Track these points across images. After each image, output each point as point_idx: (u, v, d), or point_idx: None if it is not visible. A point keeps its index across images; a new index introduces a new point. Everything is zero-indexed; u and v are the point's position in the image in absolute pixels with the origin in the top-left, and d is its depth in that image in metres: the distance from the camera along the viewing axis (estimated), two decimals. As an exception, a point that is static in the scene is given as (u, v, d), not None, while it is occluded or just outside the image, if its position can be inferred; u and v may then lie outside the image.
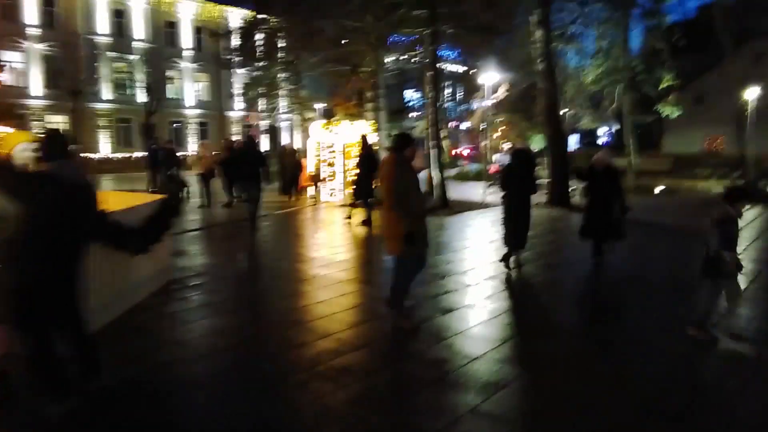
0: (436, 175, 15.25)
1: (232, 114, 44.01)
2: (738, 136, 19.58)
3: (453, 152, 43.25)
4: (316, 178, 16.26)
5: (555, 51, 19.58)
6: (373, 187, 11.43)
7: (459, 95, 44.51)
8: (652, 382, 4.20)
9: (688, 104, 32.04)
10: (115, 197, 7.12)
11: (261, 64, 26.75)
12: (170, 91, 40.42)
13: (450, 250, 9.28)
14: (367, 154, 11.97)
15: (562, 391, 4.05)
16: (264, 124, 43.80)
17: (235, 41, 26.54)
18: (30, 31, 33.40)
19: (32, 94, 34.00)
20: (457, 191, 18.40)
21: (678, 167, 27.80)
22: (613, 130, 44.80)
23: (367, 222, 11.55)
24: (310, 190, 16.95)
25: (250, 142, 12.43)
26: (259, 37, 23.75)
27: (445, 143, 42.21)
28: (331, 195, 15.80)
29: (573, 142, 44.92)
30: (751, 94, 20.93)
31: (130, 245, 5.33)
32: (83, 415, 3.59)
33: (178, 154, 17.43)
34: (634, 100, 23.51)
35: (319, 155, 16.37)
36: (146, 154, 19.01)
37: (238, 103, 42.02)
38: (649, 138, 40.36)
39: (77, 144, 25.98)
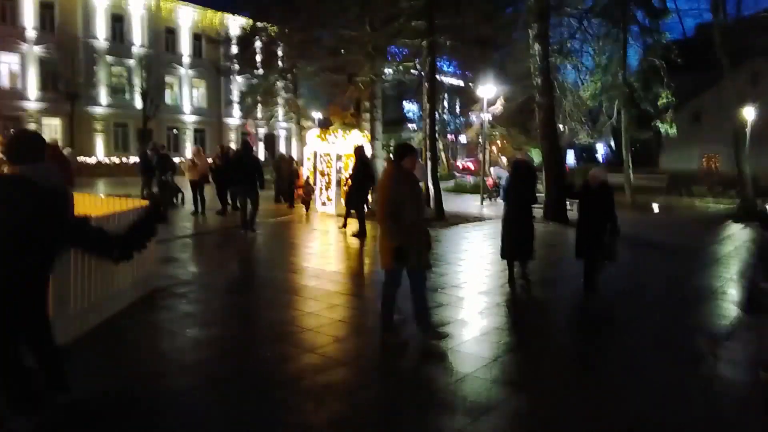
0: (431, 186, 15.17)
1: (229, 121, 43.95)
2: (735, 154, 19.50)
3: (459, 164, 43.34)
4: (308, 188, 16.15)
5: (553, 65, 19.58)
6: (368, 196, 11.35)
7: (457, 108, 44.59)
8: (644, 407, 4.05)
9: (685, 122, 32.19)
10: (101, 202, 6.98)
11: (259, 72, 26.79)
12: (168, 97, 40.39)
13: (444, 262, 9.12)
14: (360, 163, 11.88)
15: (550, 415, 3.89)
16: (262, 132, 43.77)
17: (234, 49, 26.56)
18: (28, 33, 33.35)
19: (29, 96, 33.87)
20: (454, 203, 18.31)
21: (675, 184, 27.79)
22: (611, 145, 44.95)
23: (360, 232, 11.40)
24: (304, 199, 16.81)
25: (247, 148, 12.39)
26: (257, 45, 23.77)
27: (442, 155, 42.38)
28: (325, 204, 15.66)
29: (571, 157, 45.03)
30: (749, 113, 20.97)
31: (111, 252, 5.19)
32: (52, 430, 3.42)
33: (172, 159, 17.27)
34: (632, 116, 23.50)
35: (314, 164, 16.26)
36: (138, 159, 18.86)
37: (236, 111, 41.99)
38: (646, 154, 40.47)
39: (72, 147, 25.80)
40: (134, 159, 31.67)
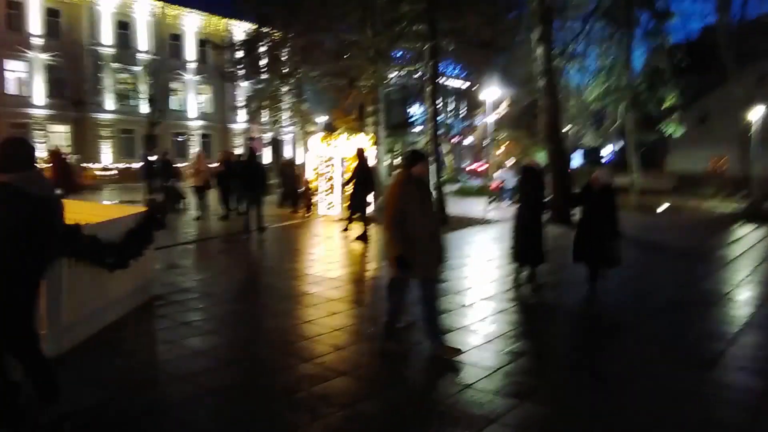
0: (434, 190, 15.07)
1: (235, 126, 44.03)
2: (742, 155, 19.31)
3: (468, 167, 43.27)
4: (308, 192, 16.12)
5: (557, 68, 19.45)
6: (367, 201, 11.37)
7: (462, 111, 44.47)
8: (655, 419, 3.92)
9: (691, 124, 31.89)
10: (99, 209, 6.92)
11: (264, 77, 26.82)
12: (173, 103, 40.50)
13: (447, 267, 8.99)
14: (362, 167, 11.81)
15: (557, 428, 3.77)
16: (267, 137, 43.81)
17: (239, 54, 26.59)
18: (34, 40, 33.54)
19: (35, 103, 34.05)
20: (458, 207, 18.18)
21: (682, 186, 27.55)
22: (617, 148, 44.66)
23: (363, 237, 11.31)
24: (307, 203, 16.77)
25: (251, 154, 12.52)
26: (261, 50, 23.78)
27: (448, 159, 42.25)
28: (328, 208, 15.59)
29: (578, 159, 44.77)
30: (755, 114, 20.79)
31: (106, 260, 5.12)
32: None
33: (175, 165, 17.28)
34: (637, 118, 23.32)
35: (317, 169, 16.21)
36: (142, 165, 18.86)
37: (241, 116, 42.06)
38: (653, 156, 40.12)
39: (77, 154, 25.91)
40: (139, 165, 31.80)
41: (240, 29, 35.27)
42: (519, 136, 32.48)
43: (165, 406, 3.94)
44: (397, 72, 20.38)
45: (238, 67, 26.61)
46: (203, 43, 39.70)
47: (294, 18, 17.81)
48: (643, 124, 24.38)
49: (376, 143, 16.36)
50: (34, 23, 33.56)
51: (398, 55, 21.15)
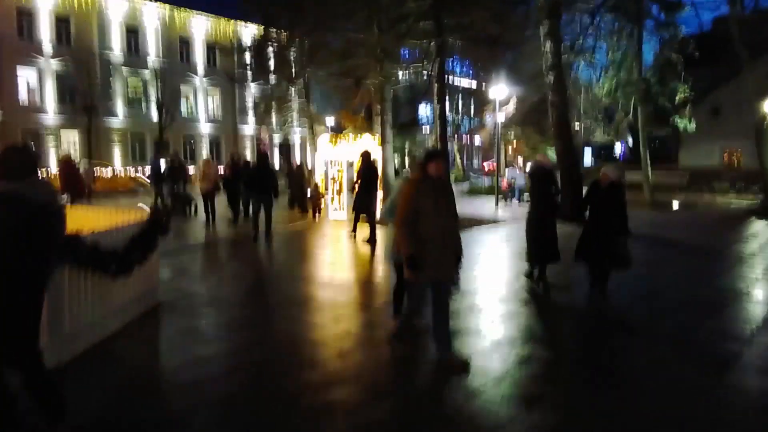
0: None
1: (245, 129, 44.18)
2: (757, 149, 18.94)
3: (484, 166, 43.12)
4: (316, 194, 16.07)
5: (566, 63, 19.23)
6: (374, 202, 11.28)
7: (470, 109, 44.26)
8: (669, 425, 3.80)
9: (704, 117, 31.42)
10: (105, 215, 6.88)
11: (272, 79, 26.89)
12: (184, 107, 40.70)
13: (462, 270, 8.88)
14: (367, 168, 11.72)
15: (567, 433, 3.67)
16: (277, 139, 43.89)
17: (247, 56, 26.68)
18: (45, 47, 33.85)
19: (46, 110, 34.37)
20: (469, 206, 18.04)
21: (695, 181, 27.12)
22: (629, 143, 44.21)
23: (371, 238, 11.22)
24: (315, 205, 16.73)
25: (262, 158, 12.46)
26: (269, 51, 23.83)
27: (457, 157, 42.07)
28: (336, 210, 15.53)
29: (588, 156, 44.36)
30: (769, 106, 20.38)
31: (108, 268, 5.06)
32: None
33: (185, 169, 17.28)
34: (649, 112, 22.98)
35: (325, 171, 16.16)
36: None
37: (251, 119, 42.18)
38: (665, 151, 39.65)
39: (90, 159, 26.04)
40: (149, 169, 31.99)
41: (248, 31, 35.38)
42: (528, 134, 32.23)
43: (170, 416, 3.88)
44: (404, 70, 20.26)
45: (247, 69, 26.72)
46: (212, 47, 39.90)
47: (300, 17, 17.77)
48: (654, 119, 24.02)
49: (383, 143, 16.26)
50: (44, 30, 33.88)
51: (406, 54, 21.04)
